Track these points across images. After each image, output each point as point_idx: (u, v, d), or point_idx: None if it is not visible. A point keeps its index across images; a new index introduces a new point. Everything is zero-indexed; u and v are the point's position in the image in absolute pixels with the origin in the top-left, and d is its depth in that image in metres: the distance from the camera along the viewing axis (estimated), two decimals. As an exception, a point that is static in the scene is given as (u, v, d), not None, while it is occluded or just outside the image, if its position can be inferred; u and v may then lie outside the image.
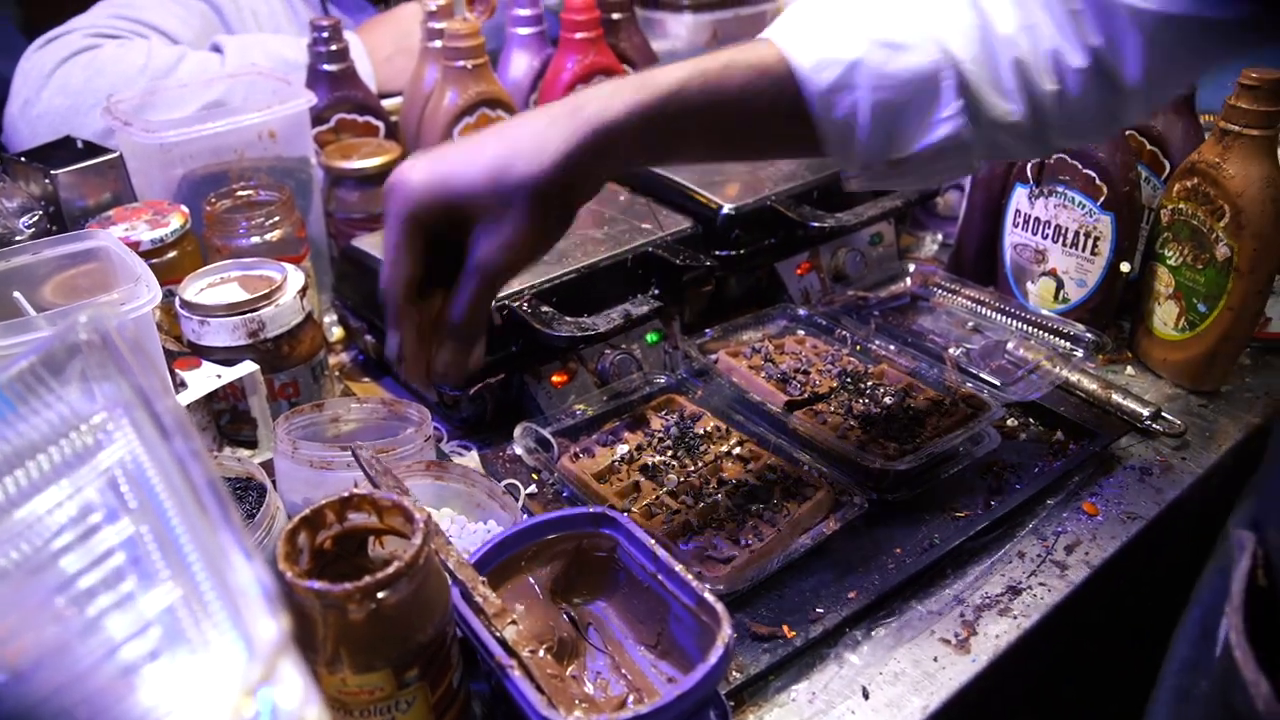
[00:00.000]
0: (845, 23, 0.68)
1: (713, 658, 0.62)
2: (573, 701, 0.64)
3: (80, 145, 1.09)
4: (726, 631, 0.64)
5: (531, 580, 0.75)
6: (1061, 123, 0.70)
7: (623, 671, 0.71)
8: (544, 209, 0.66)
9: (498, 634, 0.64)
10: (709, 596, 0.67)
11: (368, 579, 0.58)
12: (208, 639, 0.45)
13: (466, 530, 0.83)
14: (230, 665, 0.43)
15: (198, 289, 0.94)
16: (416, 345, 0.71)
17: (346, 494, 0.65)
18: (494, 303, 0.95)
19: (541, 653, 0.65)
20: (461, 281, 0.69)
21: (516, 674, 0.62)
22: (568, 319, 0.96)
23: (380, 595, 0.59)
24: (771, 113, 0.69)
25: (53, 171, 1.03)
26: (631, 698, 0.69)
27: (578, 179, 0.67)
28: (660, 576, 0.71)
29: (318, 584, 0.58)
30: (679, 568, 0.70)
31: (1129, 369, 1.11)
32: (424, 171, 0.66)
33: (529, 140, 0.65)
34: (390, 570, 0.59)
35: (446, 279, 0.70)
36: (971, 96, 0.68)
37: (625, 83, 0.67)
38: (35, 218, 1.01)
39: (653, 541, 0.72)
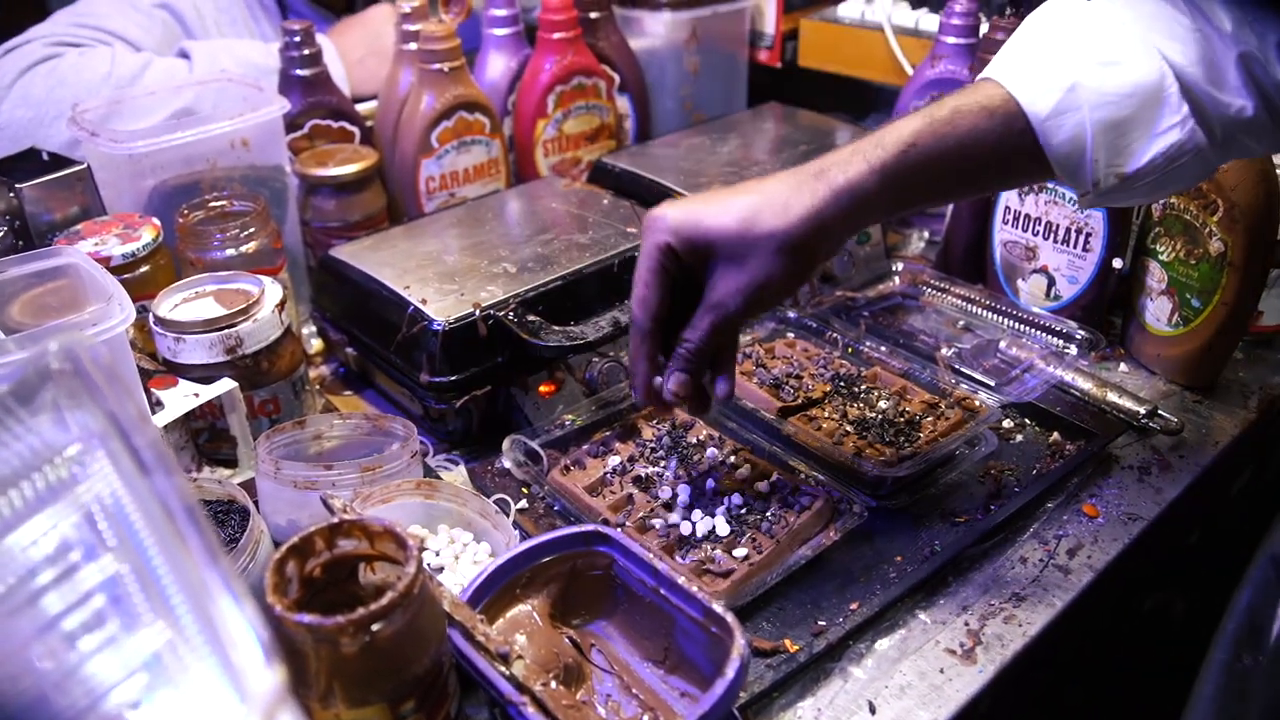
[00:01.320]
0: (1060, 48, 0.70)
1: (730, 671, 0.60)
2: None
3: (46, 157, 1.05)
4: (740, 642, 0.62)
5: (528, 607, 0.72)
6: None
7: (634, 691, 0.69)
8: (784, 261, 0.72)
9: (506, 673, 0.62)
10: (717, 608, 0.65)
11: (361, 611, 0.56)
12: (196, 686, 0.43)
13: (469, 549, 0.80)
14: (223, 716, 0.40)
15: (172, 305, 0.91)
16: (650, 370, 0.79)
17: (336, 520, 0.63)
18: (479, 312, 0.93)
19: (554, 684, 0.63)
20: (698, 315, 0.76)
21: (531, 711, 0.60)
22: (555, 327, 0.94)
23: (375, 627, 0.57)
24: (1001, 147, 0.71)
25: (18, 185, 0.99)
26: (647, 716, 0.67)
27: (819, 237, 0.72)
28: (663, 590, 0.69)
29: (308, 618, 0.56)
30: (681, 580, 0.68)
31: (1122, 365, 1.10)
32: (680, 210, 0.74)
33: (778, 197, 0.72)
34: (384, 601, 0.57)
35: (678, 318, 0.78)
36: (1197, 101, 0.68)
37: (862, 144, 0.72)
38: (0, 233, 0.97)
39: (651, 555, 0.70)
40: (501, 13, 1.31)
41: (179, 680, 0.44)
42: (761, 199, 0.72)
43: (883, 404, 0.96)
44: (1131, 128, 0.69)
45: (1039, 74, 0.70)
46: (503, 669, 0.63)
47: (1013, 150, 0.71)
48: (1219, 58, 0.68)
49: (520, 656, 0.64)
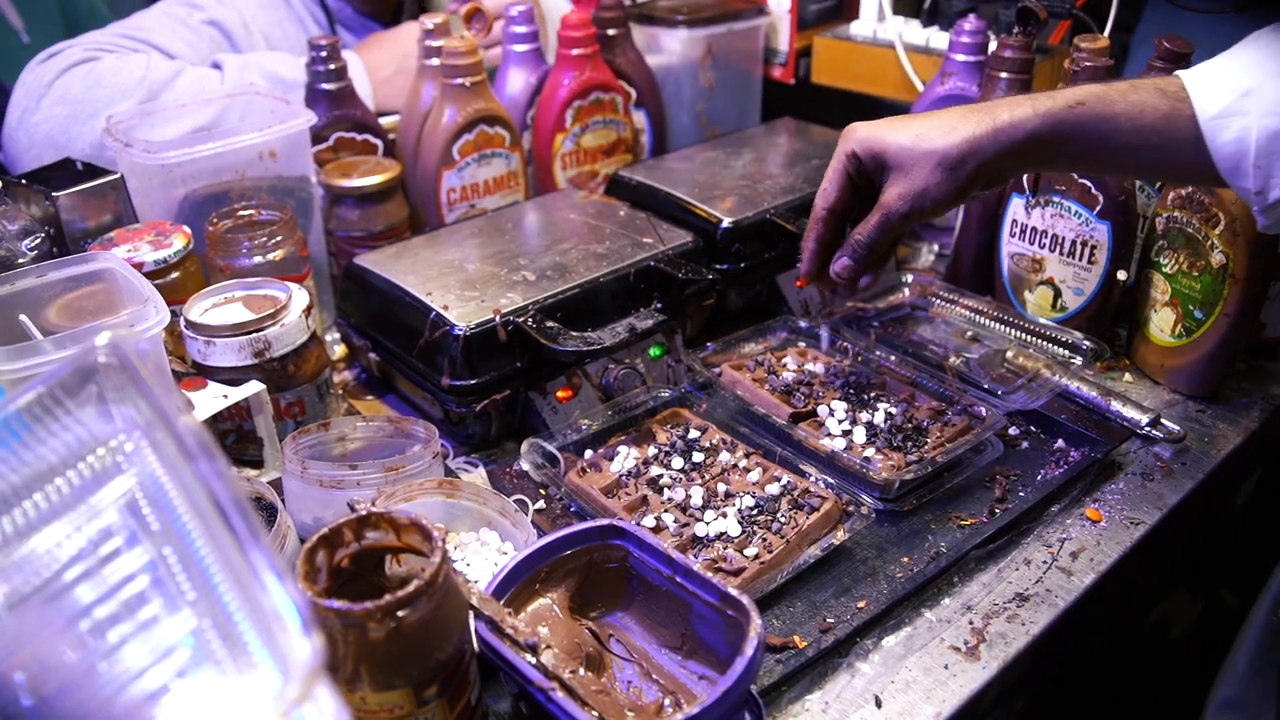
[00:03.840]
0: (1248, 59, 0.74)
1: (749, 649, 0.63)
2: (623, 713, 0.64)
3: (80, 167, 1.09)
4: (757, 622, 0.64)
5: (548, 600, 0.75)
6: None
7: (654, 677, 0.72)
8: (943, 176, 0.84)
9: (535, 662, 0.64)
10: (733, 591, 0.67)
11: (388, 598, 0.59)
12: (238, 661, 0.45)
13: (489, 546, 0.83)
14: (263, 687, 0.43)
15: (203, 309, 0.94)
16: (820, 252, 0.95)
17: (364, 512, 0.65)
18: (499, 318, 0.96)
19: (582, 671, 0.65)
20: (871, 214, 0.89)
21: (560, 695, 0.63)
22: (573, 334, 0.97)
23: (400, 614, 0.59)
24: (1162, 130, 0.76)
25: (54, 193, 1.02)
26: (668, 700, 0.70)
27: (974, 160, 0.83)
28: (678, 578, 0.72)
29: (338, 603, 0.58)
30: (697, 566, 0.70)
31: (1127, 375, 1.12)
32: (869, 126, 0.89)
33: (947, 122, 0.84)
34: (410, 589, 0.59)
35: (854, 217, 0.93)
36: None
37: (1037, 94, 0.83)
38: (37, 240, 1.01)
39: (665, 545, 0.73)
40: (521, 29, 1.35)
41: (220, 655, 0.46)
42: (934, 123, 0.84)
43: (891, 410, 0.98)
44: None
45: (1219, 76, 0.74)
46: (531, 659, 0.65)
47: (1173, 138, 0.76)
48: None
49: (549, 646, 0.66)
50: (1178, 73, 0.78)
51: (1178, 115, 0.75)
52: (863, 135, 0.88)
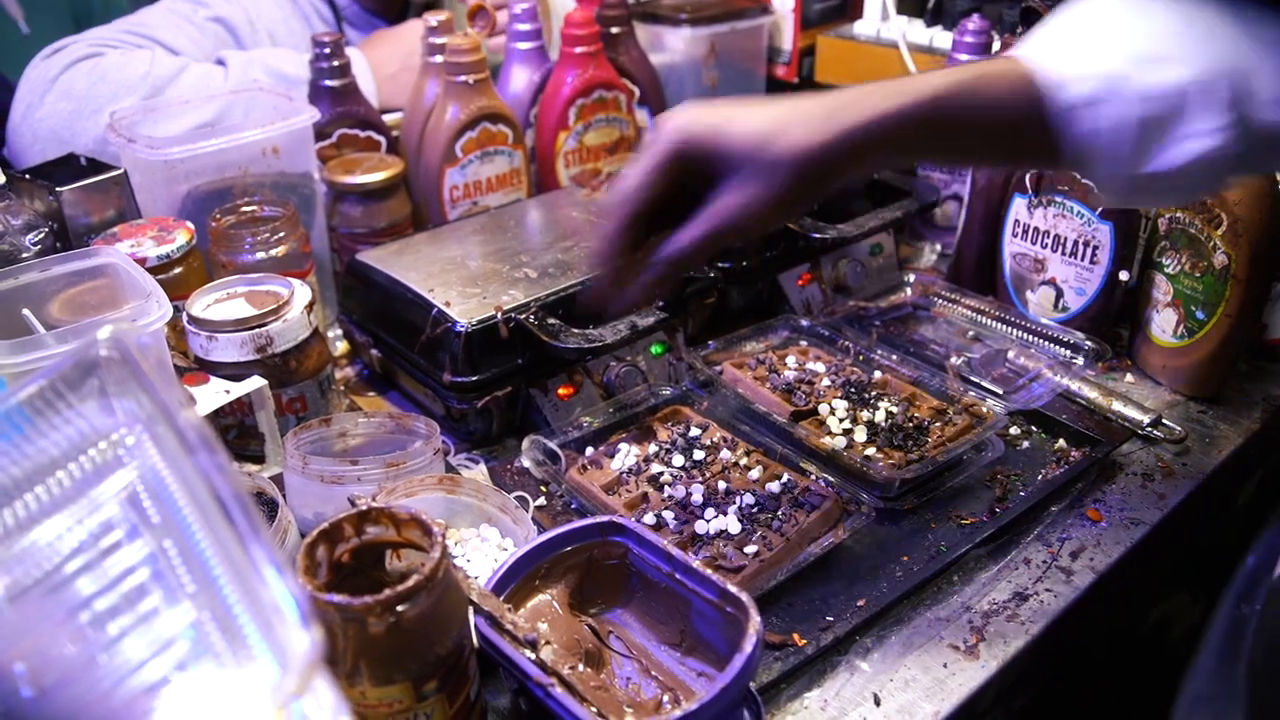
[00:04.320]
0: (1101, 37, 0.69)
1: (748, 646, 0.63)
2: (622, 709, 0.64)
3: (84, 162, 1.09)
4: (756, 619, 0.64)
5: (548, 597, 0.75)
6: None
7: (652, 673, 0.72)
8: (794, 183, 0.69)
9: (534, 658, 0.65)
10: (732, 588, 0.67)
11: (388, 592, 0.59)
12: (237, 653, 0.45)
13: (489, 543, 0.83)
14: (262, 679, 0.43)
15: (205, 305, 0.95)
16: (620, 266, 0.75)
17: (364, 507, 0.65)
18: (501, 314, 0.96)
19: (581, 667, 0.65)
20: (694, 221, 0.72)
21: (558, 690, 0.63)
22: (574, 330, 0.97)
23: (400, 608, 0.59)
24: (1017, 124, 0.70)
25: (57, 189, 1.03)
26: (666, 697, 0.70)
27: (833, 166, 0.70)
28: (678, 575, 0.72)
29: (338, 597, 0.59)
30: (696, 563, 0.70)
31: (1128, 376, 1.12)
32: (698, 115, 0.71)
33: (800, 118, 0.69)
34: (410, 583, 0.59)
35: (661, 226, 0.74)
36: (1241, 107, 0.66)
37: (889, 85, 0.71)
38: (41, 235, 1.01)
39: (665, 542, 0.73)
40: (525, 27, 1.35)
41: (219, 647, 0.47)
42: (784, 118, 0.69)
43: (892, 409, 0.98)
44: (1159, 130, 0.67)
45: (1074, 59, 0.68)
46: (530, 654, 0.65)
47: (1032, 129, 0.70)
48: (1268, 67, 0.66)
49: (548, 642, 0.67)
50: (1025, 52, 0.71)
51: (1034, 108, 0.69)
52: (694, 127, 0.70)
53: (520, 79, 1.37)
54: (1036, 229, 1.14)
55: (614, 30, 1.40)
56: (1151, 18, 0.69)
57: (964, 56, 1.27)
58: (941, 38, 1.44)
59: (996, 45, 1.23)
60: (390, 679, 0.61)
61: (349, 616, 0.59)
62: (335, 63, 1.23)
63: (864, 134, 0.69)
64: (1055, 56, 0.69)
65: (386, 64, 1.39)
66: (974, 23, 1.26)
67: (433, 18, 1.26)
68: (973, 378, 1.06)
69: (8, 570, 0.53)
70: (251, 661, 0.45)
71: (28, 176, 1.06)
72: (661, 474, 0.91)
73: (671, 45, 1.50)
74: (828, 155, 0.69)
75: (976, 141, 0.74)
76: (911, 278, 1.25)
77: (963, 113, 0.70)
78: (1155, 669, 1.17)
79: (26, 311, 0.86)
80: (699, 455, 0.93)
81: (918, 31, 1.48)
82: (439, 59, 1.26)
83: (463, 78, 1.22)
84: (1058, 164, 0.72)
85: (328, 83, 1.24)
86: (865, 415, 0.98)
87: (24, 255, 0.99)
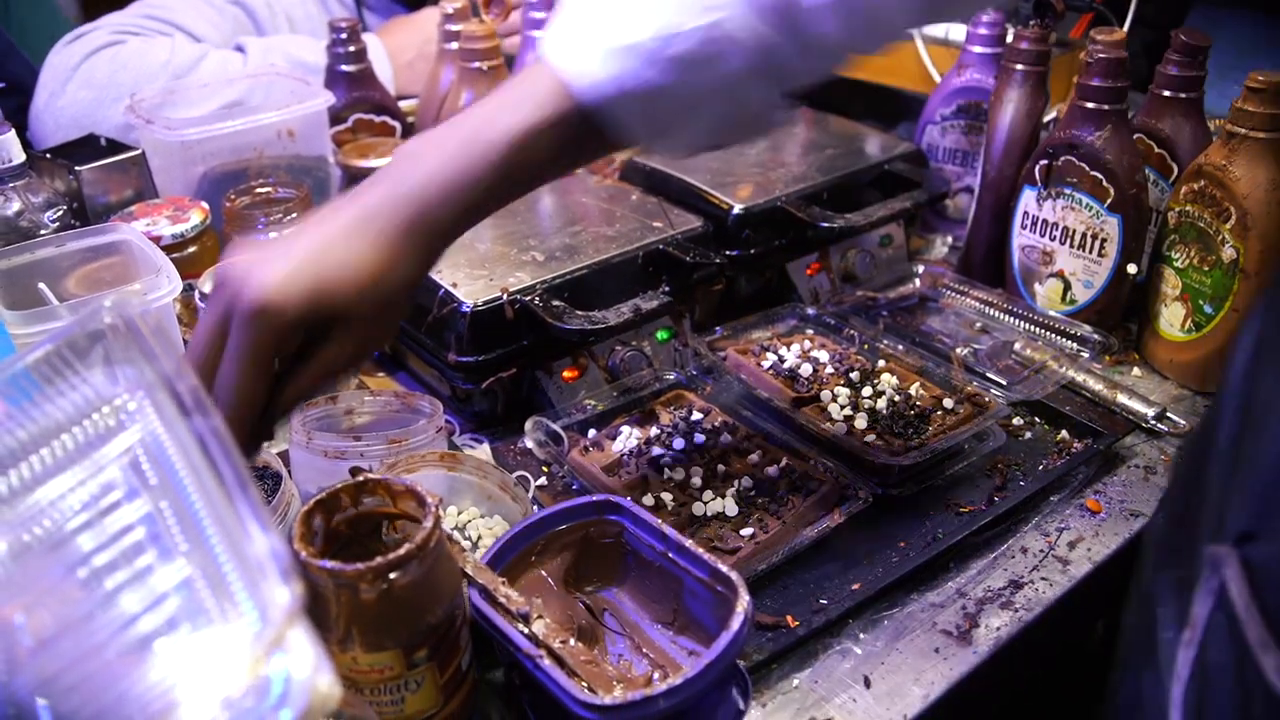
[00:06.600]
0: (610, 32, 0.65)
1: (735, 624, 0.63)
2: (611, 683, 0.65)
3: (104, 143, 1.12)
4: (745, 598, 0.65)
5: (544, 573, 0.76)
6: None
7: (644, 651, 0.73)
8: (406, 299, 0.69)
9: (526, 631, 0.66)
10: (723, 567, 0.68)
11: (380, 560, 0.60)
12: (224, 609, 0.47)
13: (488, 519, 0.84)
14: (244, 633, 0.44)
15: (217, 282, 0.96)
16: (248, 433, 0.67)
17: (361, 478, 0.67)
18: (506, 296, 0.97)
19: (572, 642, 0.66)
20: (309, 368, 0.67)
21: (547, 663, 0.64)
22: (579, 313, 0.98)
23: (392, 576, 0.61)
24: (570, 146, 0.68)
25: (77, 168, 1.05)
26: (657, 674, 0.71)
27: (416, 274, 0.68)
28: (671, 554, 0.72)
29: (330, 563, 0.60)
30: (689, 543, 0.71)
31: (1135, 369, 1.12)
32: (298, 285, 0.62)
33: (391, 241, 0.65)
34: (402, 551, 0.60)
35: None
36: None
37: (448, 169, 0.67)
38: (59, 212, 1.03)
39: (659, 521, 0.74)
40: (540, 15, 1.36)
41: (209, 603, 0.48)
42: (373, 257, 0.64)
43: (895, 397, 0.98)
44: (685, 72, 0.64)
45: (590, 67, 0.65)
46: (522, 628, 0.66)
47: (583, 144, 0.69)
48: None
49: (541, 616, 0.68)
50: (551, 59, 0.67)
51: (577, 130, 0.66)
52: (299, 306, 0.62)
53: (535, 67, 1.38)
54: (1045, 221, 1.14)
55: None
56: None
57: (977, 49, 1.27)
58: (956, 30, 1.44)
59: (1010, 37, 1.23)
60: (381, 645, 0.62)
61: (341, 583, 0.60)
62: (352, 48, 1.25)
63: (441, 241, 0.69)
64: (577, 65, 0.66)
65: (404, 51, 1.41)
66: (988, 15, 1.26)
67: (449, 5, 1.28)
68: (978, 368, 1.06)
69: (12, 528, 0.55)
70: (240, 617, 0.46)
71: (49, 156, 1.08)
72: (662, 456, 0.92)
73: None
74: (421, 275, 0.68)
75: (540, 179, 0.72)
76: (921, 269, 1.25)
77: (518, 166, 0.67)
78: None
79: (42, 285, 0.88)
80: (700, 439, 0.94)
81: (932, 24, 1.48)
82: (454, 45, 1.28)
83: (477, 64, 1.23)
84: (612, 149, 0.71)
85: (344, 68, 1.26)
86: (867, 402, 0.98)
87: (43, 232, 1.01)
